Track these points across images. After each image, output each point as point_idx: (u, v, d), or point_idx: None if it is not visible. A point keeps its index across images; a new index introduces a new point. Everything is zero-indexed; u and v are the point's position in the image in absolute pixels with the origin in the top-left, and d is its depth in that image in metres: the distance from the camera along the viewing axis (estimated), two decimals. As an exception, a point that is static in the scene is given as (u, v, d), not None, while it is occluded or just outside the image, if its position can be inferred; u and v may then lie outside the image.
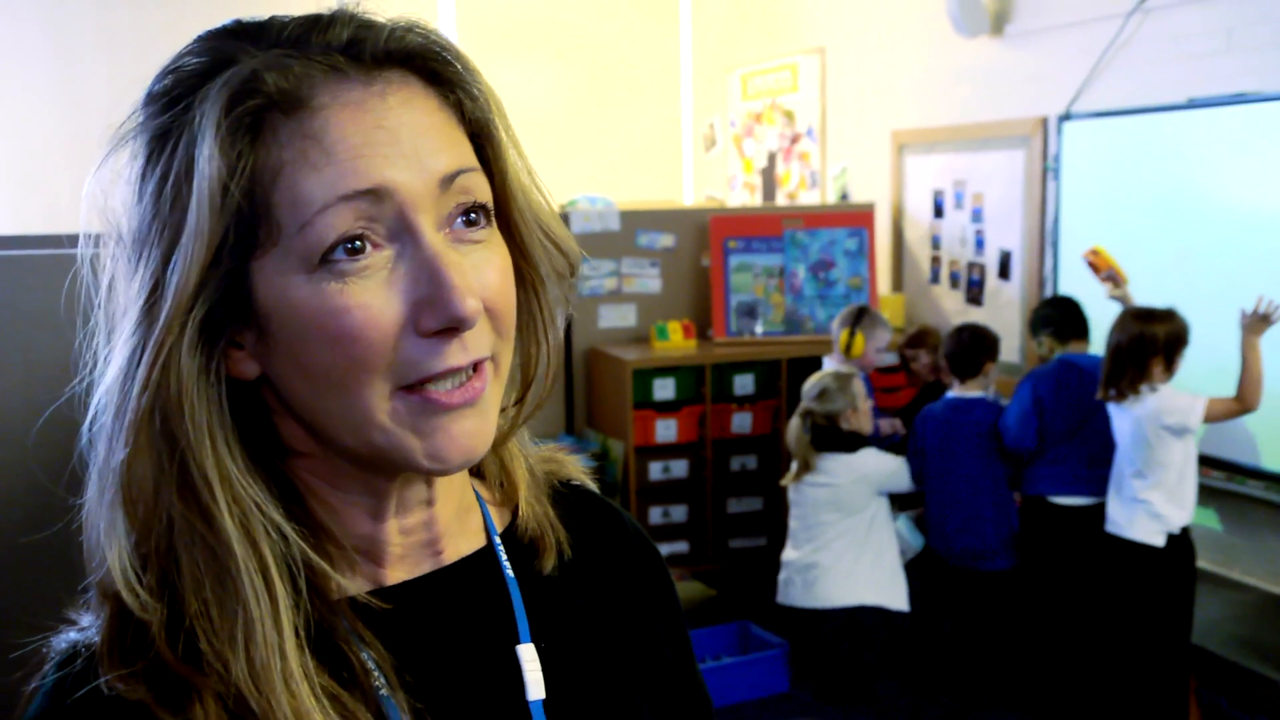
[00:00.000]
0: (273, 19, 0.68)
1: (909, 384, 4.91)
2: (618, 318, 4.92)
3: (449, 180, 0.67)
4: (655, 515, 4.87)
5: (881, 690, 4.06)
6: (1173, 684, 3.56)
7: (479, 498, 0.82)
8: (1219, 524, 3.95)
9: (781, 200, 6.38)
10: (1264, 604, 3.79)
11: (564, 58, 6.74)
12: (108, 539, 0.65)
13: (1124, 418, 3.55)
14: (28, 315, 2.93)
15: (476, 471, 0.84)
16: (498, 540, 0.80)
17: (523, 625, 0.77)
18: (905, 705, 4.08)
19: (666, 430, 4.71)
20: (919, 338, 4.84)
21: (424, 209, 0.66)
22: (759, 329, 5.01)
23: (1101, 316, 3.87)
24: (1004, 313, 4.82)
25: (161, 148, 0.65)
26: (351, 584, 0.72)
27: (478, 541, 0.80)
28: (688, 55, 7.10)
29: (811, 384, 3.88)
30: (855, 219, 5.11)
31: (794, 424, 3.88)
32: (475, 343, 0.68)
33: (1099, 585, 3.65)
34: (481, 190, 0.70)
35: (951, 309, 5.15)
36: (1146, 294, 3.74)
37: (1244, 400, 3.38)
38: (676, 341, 4.83)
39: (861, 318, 4.24)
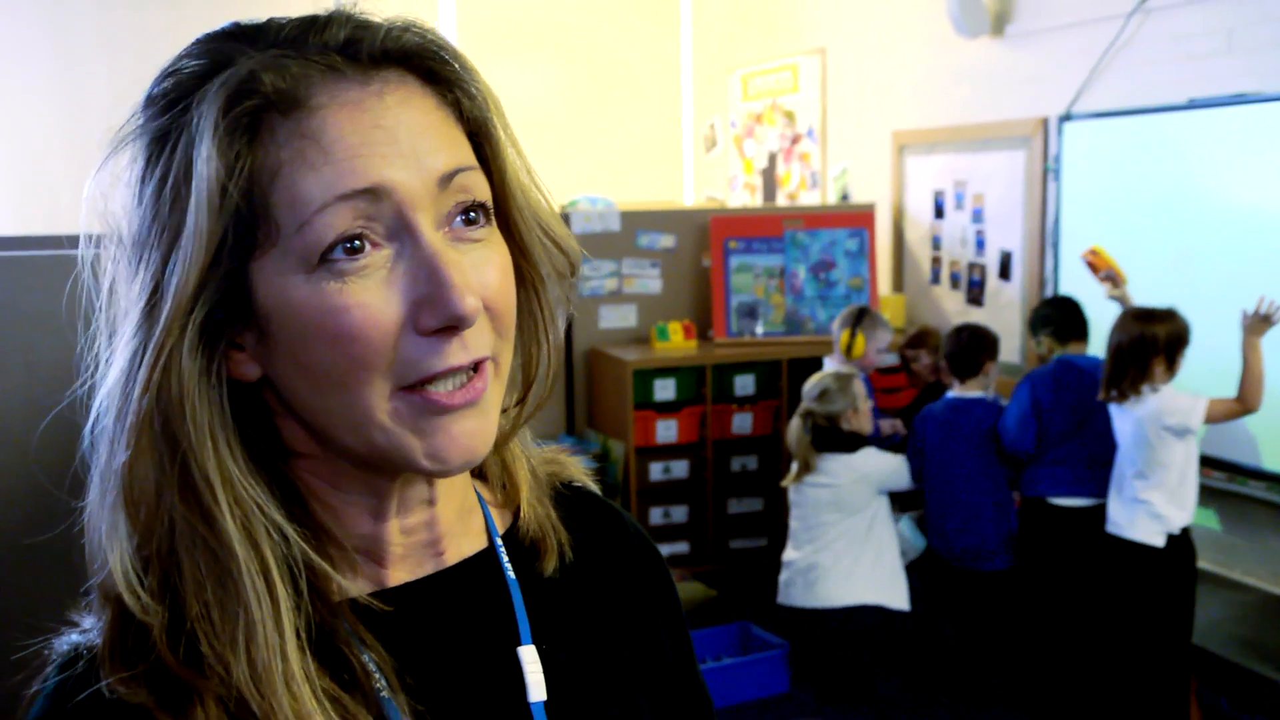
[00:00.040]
0: (270, 21, 0.68)
1: (910, 385, 4.91)
2: (618, 318, 4.92)
3: (447, 179, 0.67)
4: (656, 516, 4.87)
5: (882, 690, 4.06)
6: (1173, 685, 3.56)
7: (481, 499, 0.82)
8: (1219, 524, 3.95)
9: (782, 201, 6.38)
10: (1265, 605, 3.79)
11: (565, 58, 6.74)
12: (109, 541, 0.65)
13: (1125, 418, 3.54)
14: (28, 316, 2.92)
15: (478, 473, 0.84)
16: (499, 541, 0.80)
17: (524, 627, 0.77)
18: (906, 706, 4.08)
19: (667, 431, 4.71)
20: (919, 338, 4.84)
21: (422, 208, 0.66)
22: (759, 329, 5.01)
23: (1101, 317, 3.87)
24: (1004, 313, 4.82)
25: (160, 150, 0.65)
26: (353, 585, 0.72)
27: (479, 543, 0.80)
28: (688, 56, 7.10)
29: (812, 385, 3.88)
30: (856, 219, 5.12)
31: (794, 425, 3.88)
32: (475, 342, 0.67)
33: (1100, 586, 3.64)
34: (480, 189, 0.70)
35: (952, 309, 5.15)
36: (1147, 295, 3.74)
37: (1245, 401, 3.38)
38: (677, 342, 4.83)
39: (862, 318, 4.24)
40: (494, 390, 0.70)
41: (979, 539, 3.94)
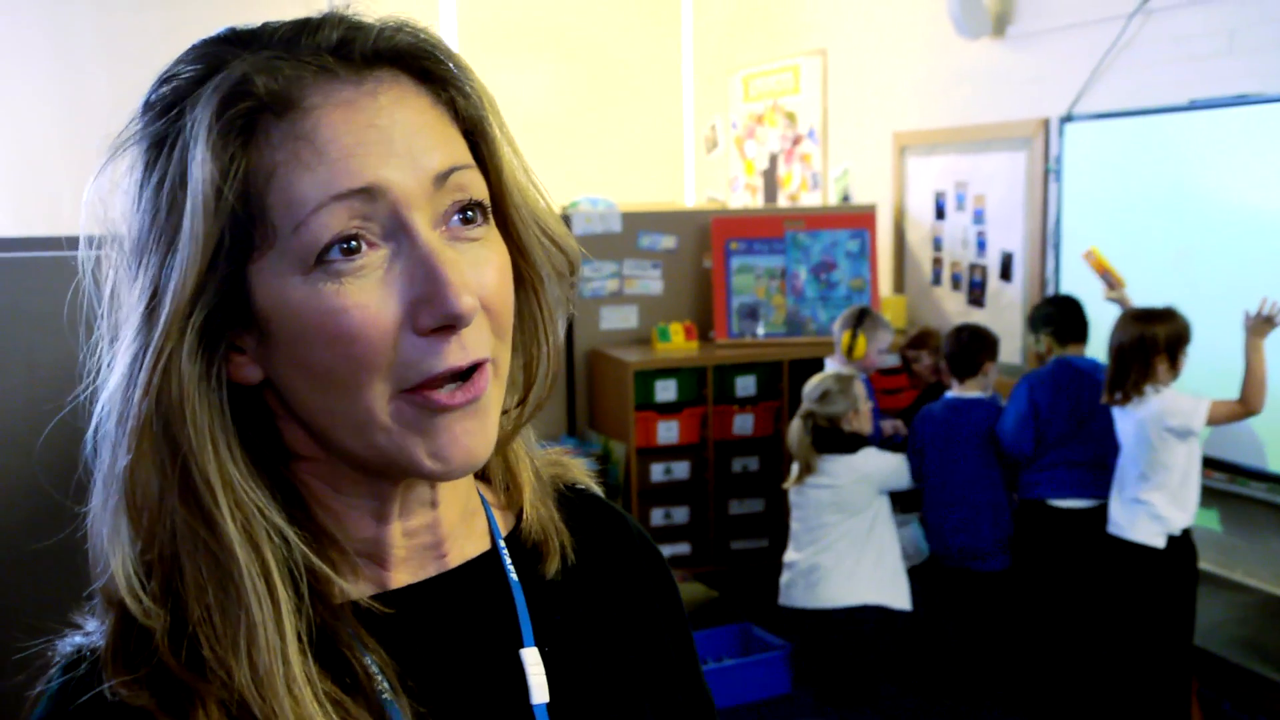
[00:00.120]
0: (265, 25, 0.68)
1: (911, 385, 4.91)
2: (619, 319, 4.92)
3: (443, 178, 0.67)
4: (657, 517, 4.87)
5: (884, 691, 4.06)
6: (1175, 686, 3.56)
7: (484, 501, 0.82)
8: (1221, 525, 3.95)
9: (783, 202, 6.38)
10: (1266, 605, 3.79)
11: (566, 59, 6.75)
12: (112, 545, 0.66)
13: (1127, 420, 3.54)
14: (29, 317, 2.93)
15: (481, 475, 0.84)
16: (502, 544, 0.80)
17: (526, 629, 0.77)
18: (908, 706, 4.08)
19: (668, 432, 4.71)
20: (920, 339, 4.83)
21: (418, 207, 0.66)
22: (760, 330, 5.01)
23: (1102, 317, 3.87)
24: (1005, 314, 4.82)
25: (157, 155, 0.66)
26: (355, 588, 0.72)
27: (482, 545, 0.80)
28: (689, 57, 7.10)
29: (813, 386, 3.88)
30: (857, 220, 5.11)
31: (795, 426, 3.88)
32: (474, 343, 0.67)
33: (1100, 587, 3.64)
34: (477, 187, 0.69)
35: (953, 310, 5.14)
36: (1148, 295, 3.73)
37: (1247, 402, 3.38)
38: (678, 343, 4.83)
39: (863, 319, 4.24)
40: (494, 391, 0.70)
41: (976, 539, 3.94)
